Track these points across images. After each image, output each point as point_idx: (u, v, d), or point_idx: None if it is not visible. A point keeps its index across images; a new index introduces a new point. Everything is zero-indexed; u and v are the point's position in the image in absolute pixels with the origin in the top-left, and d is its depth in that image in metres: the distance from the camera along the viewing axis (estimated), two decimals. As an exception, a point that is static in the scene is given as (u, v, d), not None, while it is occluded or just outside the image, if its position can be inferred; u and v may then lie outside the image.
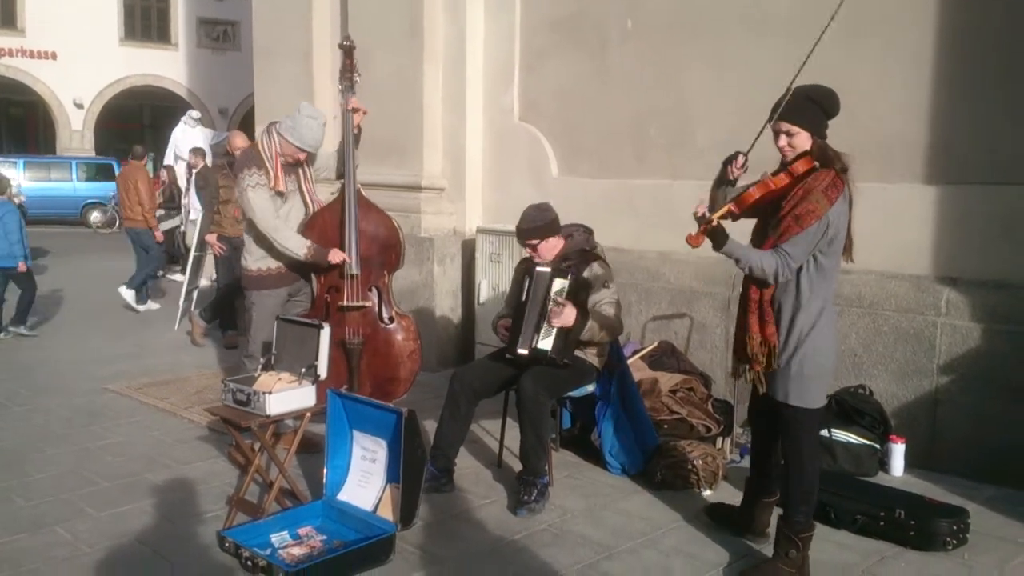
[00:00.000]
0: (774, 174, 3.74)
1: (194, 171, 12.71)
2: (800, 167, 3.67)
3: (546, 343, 4.71)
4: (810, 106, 3.67)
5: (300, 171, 5.42)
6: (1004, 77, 5.08)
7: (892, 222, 5.34)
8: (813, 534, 3.86)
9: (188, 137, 14.26)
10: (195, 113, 15.72)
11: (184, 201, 13.43)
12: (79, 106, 30.90)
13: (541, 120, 7.61)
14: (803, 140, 3.68)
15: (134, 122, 34.26)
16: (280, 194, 5.28)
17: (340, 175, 5.57)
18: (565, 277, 4.73)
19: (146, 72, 32.16)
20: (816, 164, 3.67)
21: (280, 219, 5.30)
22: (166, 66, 32.60)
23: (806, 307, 3.69)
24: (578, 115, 7.28)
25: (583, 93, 7.21)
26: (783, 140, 3.72)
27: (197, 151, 12.64)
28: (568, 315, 4.64)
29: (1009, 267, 5.05)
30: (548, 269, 4.82)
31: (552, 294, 4.71)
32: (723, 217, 3.76)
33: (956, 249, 5.25)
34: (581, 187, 7.06)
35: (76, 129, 30.98)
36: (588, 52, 7.15)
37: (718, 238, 3.72)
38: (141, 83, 32.26)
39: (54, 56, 30.06)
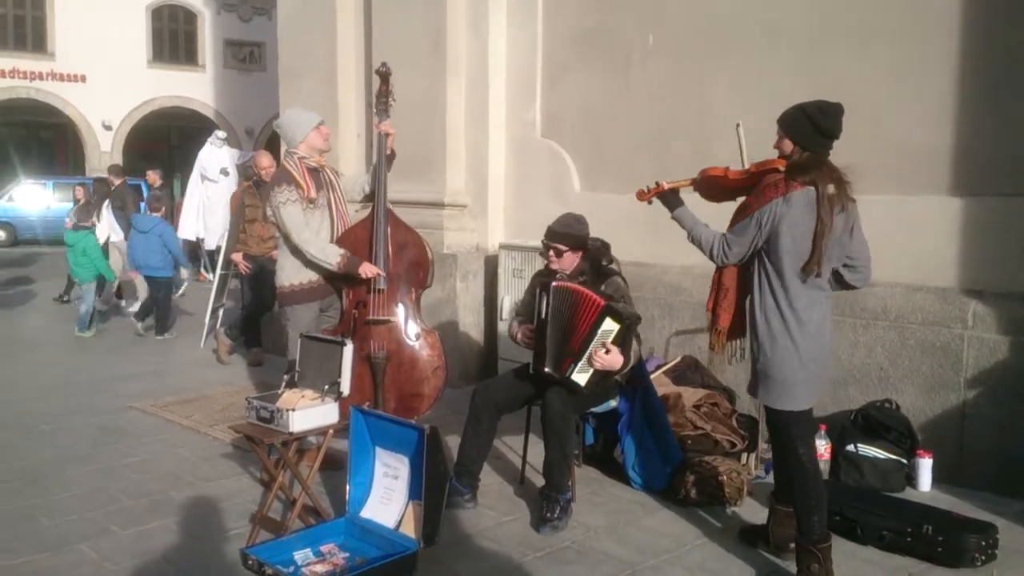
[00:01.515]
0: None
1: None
2: (760, 166, 3.89)
3: (581, 377, 4.61)
4: (799, 117, 3.78)
5: (330, 187, 5.52)
6: (1028, 87, 5.04)
7: (917, 234, 5.32)
8: (831, 544, 3.82)
9: (214, 157, 14.32)
10: (221, 133, 15.77)
11: (96, 219, 12.29)
12: (108, 128, 31.19)
13: (563, 135, 7.63)
14: (786, 146, 3.83)
15: (161, 143, 34.57)
16: (312, 202, 5.41)
17: (366, 196, 5.66)
18: (617, 320, 4.55)
19: (174, 94, 32.43)
20: (780, 168, 3.80)
21: (312, 231, 5.40)
22: (194, 87, 32.88)
23: (759, 309, 3.84)
24: (600, 130, 7.29)
25: (605, 108, 7.23)
26: (776, 140, 3.89)
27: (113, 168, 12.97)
28: (614, 362, 4.57)
29: (1036, 279, 4.99)
30: (601, 302, 4.58)
31: (600, 332, 4.54)
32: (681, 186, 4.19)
33: (982, 261, 5.20)
34: (603, 202, 7.02)
35: (105, 150, 31.24)
36: (610, 67, 7.16)
37: (670, 203, 4.18)
38: (169, 104, 32.53)
39: (83, 79, 30.35)
